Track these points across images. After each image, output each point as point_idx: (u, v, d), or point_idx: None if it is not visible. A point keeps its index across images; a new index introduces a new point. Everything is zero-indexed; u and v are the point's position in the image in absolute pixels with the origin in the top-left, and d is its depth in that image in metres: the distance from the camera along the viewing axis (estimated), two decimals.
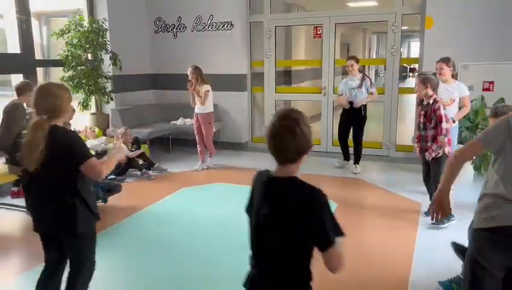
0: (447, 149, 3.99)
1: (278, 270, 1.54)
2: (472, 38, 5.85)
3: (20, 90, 4.59)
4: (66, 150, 2.17)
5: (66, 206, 2.22)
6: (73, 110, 2.49)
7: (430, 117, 4.00)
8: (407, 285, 3.09)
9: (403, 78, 14.56)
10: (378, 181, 5.60)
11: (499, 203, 1.84)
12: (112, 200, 4.64)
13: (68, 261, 2.41)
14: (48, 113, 2.20)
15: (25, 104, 4.57)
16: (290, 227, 1.50)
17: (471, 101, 5.35)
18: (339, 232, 1.52)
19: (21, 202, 4.77)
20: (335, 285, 3.00)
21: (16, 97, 4.70)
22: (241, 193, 1.74)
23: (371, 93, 5.82)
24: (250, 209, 1.66)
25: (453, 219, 3.95)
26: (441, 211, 2.09)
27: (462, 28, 5.90)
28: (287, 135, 1.52)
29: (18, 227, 4.38)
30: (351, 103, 5.78)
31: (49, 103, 2.20)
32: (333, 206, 4.64)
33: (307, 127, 1.55)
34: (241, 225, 1.88)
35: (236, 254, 2.48)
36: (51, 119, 2.20)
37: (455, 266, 3.02)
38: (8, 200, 4.96)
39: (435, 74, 4.26)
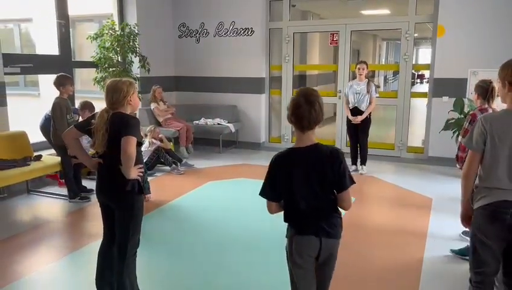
0: None
1: (321, 204, 2.09)
2: (481, 45, 6.20)
3: (60, 83, 4.79)
4: (120, 129, 2.50)
5: (120, 182, 2.55)
6: (139, 101, 2.86)
7: None
8: (423, 256, 3.50)
9: (411, 83, 14.86)
10: (391, 179, 5.96)
11: (488, 190, 2.23)
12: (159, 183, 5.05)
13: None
14: (113, 104, 2.58)
15: (65, 95, 4.86)
16: (324, 175, 2.04)
17: None
18: (353, 181, 2.09)
19: (63, 191, 5.22)
20: (361, 262, 3.37)
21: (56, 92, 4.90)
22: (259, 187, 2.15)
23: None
24: (281, 183, 2.11)
25: None
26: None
27: (472, 36, 6.25)
28: (309, 108, 2.01)
29: (61, 213, 4.80)
30: (355, 108, 6.09)
31: (114, 95, 2.57)
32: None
33: (321, 103, 2.06)
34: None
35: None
36: (115, 109, 2.58)
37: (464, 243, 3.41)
38: (53, 189, 5.39)
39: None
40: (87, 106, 5.29)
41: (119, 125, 2.51)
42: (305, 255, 2.08)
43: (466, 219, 2.42)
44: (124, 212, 2.63)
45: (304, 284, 2.13)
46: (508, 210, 2.16)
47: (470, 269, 2.37)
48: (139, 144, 2.62)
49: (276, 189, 2.11)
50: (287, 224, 2.18)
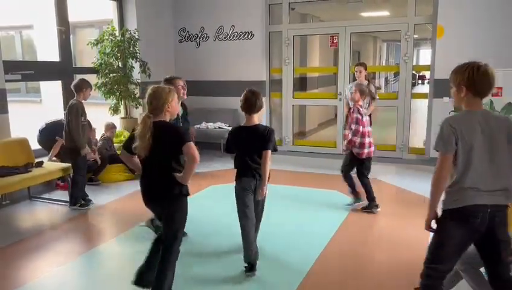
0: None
1: (257, 160, 3.28)
2: (481, 46, 6.20)
3: (81, 87, 4.94)
4: (169, 137, 2.69)
5: (168, 182, 2.73)
6: (178, 108, 2.98)
7: None
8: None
9: (412, 84, 14.86)
10: (393, 180, 5.96)
11: (459, 192, 2.25)
12: None
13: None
14: (152, 110, 2.71)
15: (82, 100, 4.98)
16: (260, 143, 3.23)
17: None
18: (275, 149, 3.31)
19: (63, 196, 5.23)
20: (363, 262, 3.37)
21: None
22: None
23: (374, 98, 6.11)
24: (234, 143, 3.33)
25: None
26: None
27: (471, 37, 6.25)
28: (255, 99, 3.24)
29: (63, 219, 4.80)
30: None
31: (153, 102, 2.71)
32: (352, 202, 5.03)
33: (261, 98, 3.30)
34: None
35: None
36: (155, 115, 2.69)
37: None
38: (54, 195, 5.40)
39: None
40: (110, 126, 6.28)
41: (171, 135, 2.71)
42: (246, 188, 3.28)
43: (431, 224, 2.41)
44: (173, 214, 2.81)
45: (248, 201, 3.30)
46: (478, 214, 2.20)
47: (426, 263, 2.41)
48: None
49: (231, 147, 3.36)
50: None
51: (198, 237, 4.08)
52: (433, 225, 2.39)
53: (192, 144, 2.69)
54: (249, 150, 3.25)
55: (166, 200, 2.80)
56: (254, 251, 3.30)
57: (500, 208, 2.24)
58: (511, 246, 2.30)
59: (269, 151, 3.22)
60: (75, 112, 4.85)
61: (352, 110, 4.72)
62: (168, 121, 2.79)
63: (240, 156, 3.29)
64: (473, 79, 2.21)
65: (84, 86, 4.95)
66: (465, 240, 2.29)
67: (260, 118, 3.37)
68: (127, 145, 2.84)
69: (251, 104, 3.22)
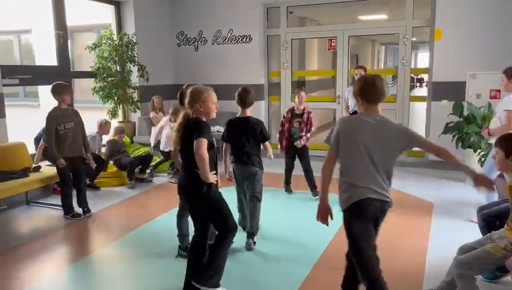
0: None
1: (252, 149, 3.96)
2: (479, 49, 6.21)
3: (56, 92, 4.59)
4: (194, 133, 2.80)
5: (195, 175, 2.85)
6: (216, 107, 3.09)
7: None
8: (425, 260, 3.48)
9: (410, 87, 14.88)
10: (392, 183, 5.92)
11: (349, 187, 2.52)
12: (148, 198, 5.03)
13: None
14: (193, 109, 2.89)
15: (64, 105, 4.64)
16: (254, 133, 3.84)
17: (480, 108, 5.71)
18: (269, 137, 3.97)
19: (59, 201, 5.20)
20: None
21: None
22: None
23: None
24: (229, 131, 3.92)
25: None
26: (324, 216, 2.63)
27: (469, 40, 6.26)
28: (246, 95, 3.81)
29: (61, 224, 4.77)
30: (355, 112, 6.11)
31: (187, 100, 2.90)
32: None
33: (253, 94, 3.87)
34: None
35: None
36: (192, 113, 2.88)
37: None
38: (52, 200, 5.37)
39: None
40: (119, 130, 6.20)
41: (194, 128, 2.83)
42: (239, 175, 3.93)
43: (324, 214, 2.61)
44: (205, 211, 2.96)
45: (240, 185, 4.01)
46: (371, 205, 2.50)
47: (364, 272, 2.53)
48: (211, 147, 2.88)
49: (227, 137, 3.93)
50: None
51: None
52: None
53: (201, 140, 2.75)
54: (241, 137, 3.83)
55: (189, 196, 3.00)
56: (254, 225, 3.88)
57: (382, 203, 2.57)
58: None
59: (267, 143, 3.98)
60: (48, 120, 4.57)
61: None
62: (203, 118, 2.93)
63: (235, 143, 3.88)
64: (364, 89, 2.55)
65: (61, 90, 4.60)
66: (371, 224, 2.56)
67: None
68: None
69: (244, 100, 3.82)
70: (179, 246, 3.69)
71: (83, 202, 4.83)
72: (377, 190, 2.50)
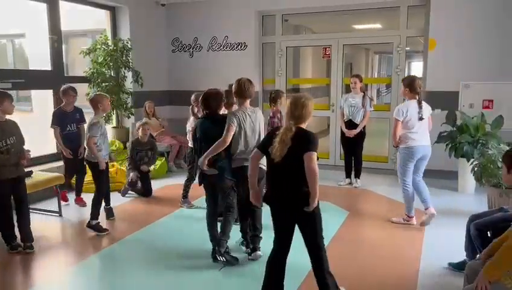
0: None
1: None
2: (473, 58, 6.26)
3: None
4: (304, 145, 2.70)
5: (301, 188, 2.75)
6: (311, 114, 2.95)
7: None
8: (418, 269, 3.50)
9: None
10: (385, 192, 5.95)
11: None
12: (149, 202, 5.00)
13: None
14: (296, 119, 2.79)
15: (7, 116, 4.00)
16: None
17: (473, 118, 5.75)
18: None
19: (51, 205, 5.14)
20: (354, 278, 3.33)
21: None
22: None
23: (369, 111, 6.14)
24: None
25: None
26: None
27: (463, 50, 6.31)
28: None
29: (54, 229, 4.73)
30: (349, 120, 6.13)
31: (299, 111, 2.80)
32: (344, 213, 5.00)
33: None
34: None
35: None
36: (298, 123, 2.79)
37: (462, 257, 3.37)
38: (43, 205, 5.31)
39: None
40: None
41: (304, 140, 2.73)
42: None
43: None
44: (310, 216, 2.78)
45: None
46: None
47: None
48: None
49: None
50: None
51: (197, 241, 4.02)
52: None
53: (311, 154, 2.68)
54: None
55: (297, 207, 2.83)
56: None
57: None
58: None
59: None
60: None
61: None
62: (304, 127, 2.86)
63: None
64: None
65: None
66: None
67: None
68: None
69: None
70: (217, 250, 3.66)
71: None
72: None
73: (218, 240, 3.69)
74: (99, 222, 4.57)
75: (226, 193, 3.70)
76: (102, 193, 4.68)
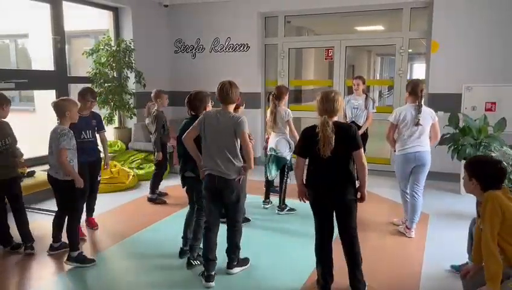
0: None
1: None
2: (475, 61, 6.26)
3: None
4: (350, 142, 2.93)
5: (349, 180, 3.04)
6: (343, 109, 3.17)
7: None
8: (420, 272, 3.50)
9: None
10: (387, 194, 5.94)
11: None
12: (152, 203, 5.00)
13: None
14: (328, 113, 2.95)
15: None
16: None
17: (475, 120, 5.74)
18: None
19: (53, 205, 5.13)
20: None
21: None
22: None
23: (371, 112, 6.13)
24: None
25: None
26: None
27: (466, 52, 6.31)
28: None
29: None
30: (352, 122, 6.11)
31: (331, 105, 2.97)
32: None
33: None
34: None
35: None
36: (331, 117, 2.95)
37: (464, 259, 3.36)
38: (45, 205, 5.31)
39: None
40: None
41: (347, 134, 2.96)
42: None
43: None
44: (353, 202, 3.08)
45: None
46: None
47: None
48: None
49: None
50: None
51: None
52: None
53: (360, 151, 3.00)
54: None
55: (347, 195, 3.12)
56: None
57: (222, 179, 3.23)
58: None
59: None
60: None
61: None
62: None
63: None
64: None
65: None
66: None
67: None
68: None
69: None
70: (191, 255, 3.68)
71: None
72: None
73: (191, 245, 3.71)
74: (81, 252, 3.79)
75: (199, 196, 3.63)
76: (78, 218, 3.86)
